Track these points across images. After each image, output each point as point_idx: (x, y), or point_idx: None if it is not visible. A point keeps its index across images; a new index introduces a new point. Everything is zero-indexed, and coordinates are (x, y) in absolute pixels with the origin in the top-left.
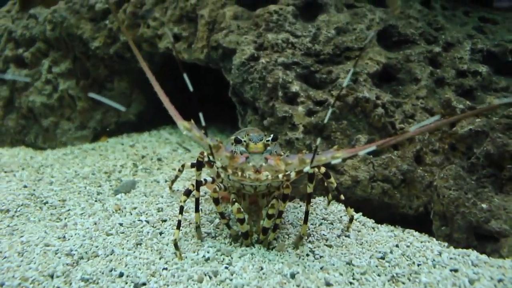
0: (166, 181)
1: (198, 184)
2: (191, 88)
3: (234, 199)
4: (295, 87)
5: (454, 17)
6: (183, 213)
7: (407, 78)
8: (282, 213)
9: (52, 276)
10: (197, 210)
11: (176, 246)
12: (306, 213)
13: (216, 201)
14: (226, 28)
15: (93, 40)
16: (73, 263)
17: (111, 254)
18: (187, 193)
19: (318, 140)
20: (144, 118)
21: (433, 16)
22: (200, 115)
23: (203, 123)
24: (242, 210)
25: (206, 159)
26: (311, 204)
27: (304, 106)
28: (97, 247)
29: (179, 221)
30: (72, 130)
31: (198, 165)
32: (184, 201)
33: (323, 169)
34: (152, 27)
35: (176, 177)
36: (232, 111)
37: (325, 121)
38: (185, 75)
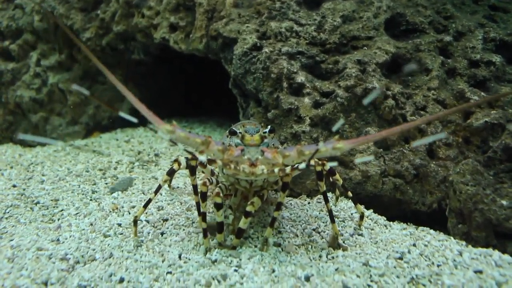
0: None
1: (195, 189)
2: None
3: (218, 191)
4: (301, 77)
5: (464, 5)
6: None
7: (417, 68)
8: (281, 205)
9: (46, 284)
10: (199, 213)
11: (135, 223)
12: (330, 212)
13: (204, 196)
14: (226, 16)
15: (84, 31)
16: (69, 268)
17: (109, 258)
18: (170, 172)
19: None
20: (138, 112)
21: (442, 4)
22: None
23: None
24: (221, 195)
25: (200, 158)
26: (319, 201)
27: (310, 97)
28: (94, 250)
29: (150, 200)
30: (63, 126)
31: (191, 170)
32: (165, 181)
33: (327, 166)
34: (147, 17)
35: None
36: (231, 104)
37: (334, 129)
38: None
